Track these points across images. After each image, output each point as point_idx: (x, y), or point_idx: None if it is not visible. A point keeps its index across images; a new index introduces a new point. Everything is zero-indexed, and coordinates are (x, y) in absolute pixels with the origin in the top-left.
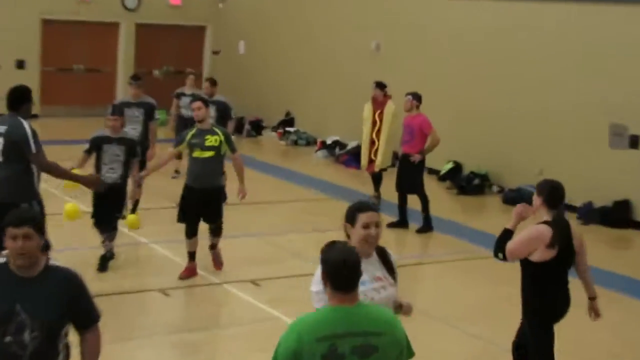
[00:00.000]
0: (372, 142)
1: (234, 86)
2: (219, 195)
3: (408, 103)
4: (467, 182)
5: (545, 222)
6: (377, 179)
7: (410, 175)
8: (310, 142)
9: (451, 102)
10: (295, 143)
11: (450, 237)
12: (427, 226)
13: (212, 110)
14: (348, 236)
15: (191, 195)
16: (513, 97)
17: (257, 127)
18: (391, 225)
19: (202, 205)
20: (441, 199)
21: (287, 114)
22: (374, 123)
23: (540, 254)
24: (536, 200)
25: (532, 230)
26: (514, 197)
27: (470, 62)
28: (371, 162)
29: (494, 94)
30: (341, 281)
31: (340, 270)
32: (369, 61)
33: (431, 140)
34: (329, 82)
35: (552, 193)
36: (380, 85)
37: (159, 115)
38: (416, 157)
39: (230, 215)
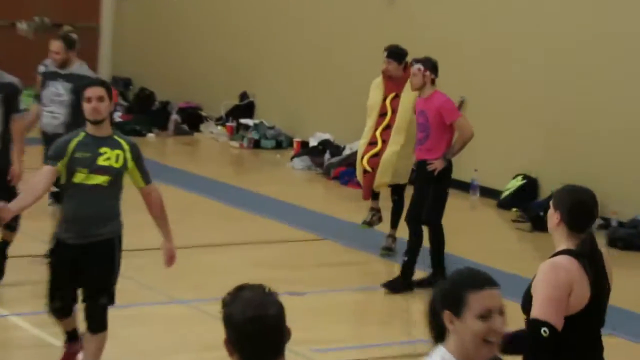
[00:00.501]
0: (373, 143)
1: (152, 51)
2: (111, 253)
3: (418, 76)
4: (547, 211)
5: (565, 252)
6: (375, 199)
7: (428, 194)
8: (281, 143)
9: (521, 86)
10: (257, 145)
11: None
12: (436, 275)
13: (62, 90)
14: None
15: (63, 255)
16: (626, 89)
17: (193, 119)
18: (422, 284)
19: (79, 270)
20: (503, 239)
21: (243, 97)
22: (382, 113)
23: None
24: (552, 217)
25: (550, 274)
26: (628, 235)
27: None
28: (366, 173)
29: (596, 81)
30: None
31: (252, 334)
32: (377, 18)
33: (459, 134)
34: (312, 48)
35: (577, 209)
36: (396, 54)
37: (24, 101)
38: (437, 165)
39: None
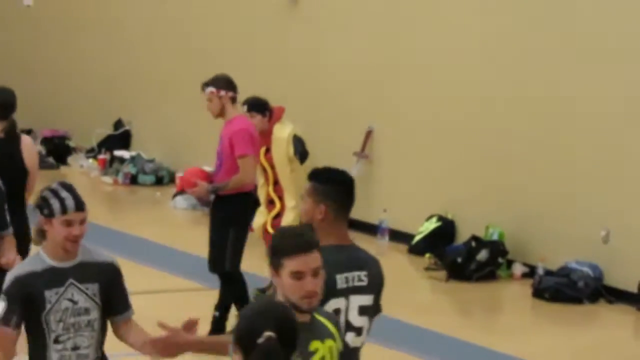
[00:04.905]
0: (271, 202)
1: (9, 70)
2: None
3: (214, 101)
4: (465, 257)
5: None
6: None
7: (224, 237)
8: (162, 178)
9: (438, 114)
10: (134, 180)
11: None
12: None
13: None
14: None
15: None
16: (552, 120)
17: (60, 150)
18: None
19: None
20: (415, 289)
21: (118, 125)
22: (264, 171)
23: None
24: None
25: None
26: (557, 284)
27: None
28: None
29: (521, 111)
30: None
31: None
32: (280, 21)
33: (239, 175)
34: (199, 67)
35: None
36: (258, 106)
37: None
38: (199, 190)
39: None
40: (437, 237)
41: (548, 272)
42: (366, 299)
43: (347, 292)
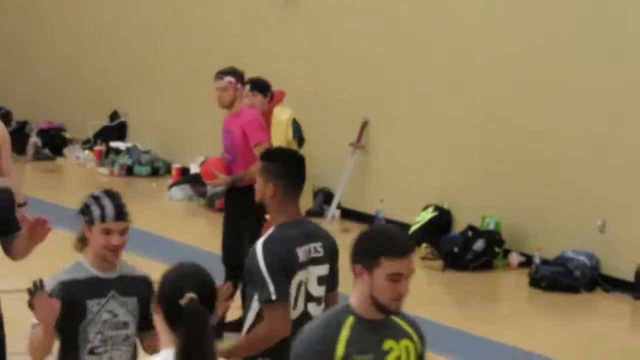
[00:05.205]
0: None
1: (6, 63)
2: None
3: (229, 91)
4: (462, 247)
5: None
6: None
7: (241, 228)
8: (158, 169)
9: (433, 103)
10: (130, 171)
11: None
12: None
13: None
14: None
15: None
16: (547, 110)
17: (56, 142)
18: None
19: None
20: (413, 280)
21: (114, 116)
22: None
23: None
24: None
25: None
26: (553, 273)
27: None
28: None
29: (519, 100)
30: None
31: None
32: (274, 16)
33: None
34: (194, 60)
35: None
36: (260, 86)
37: None
38: (220, 181)
39: None
40: (433, 227)
41: (544, 262)
42: (323, 269)
43: (306, 264)
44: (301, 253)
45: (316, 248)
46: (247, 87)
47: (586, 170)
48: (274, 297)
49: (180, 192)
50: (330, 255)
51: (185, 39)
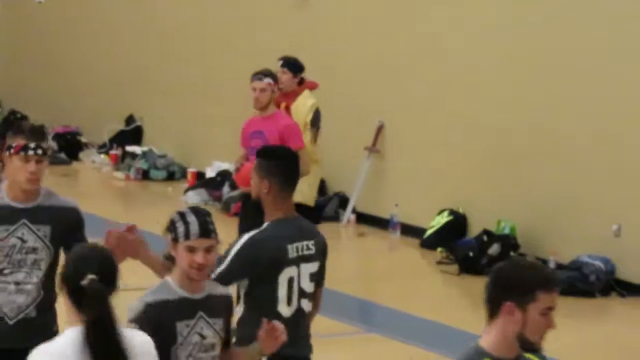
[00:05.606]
0: None
1: (23, 68)
2: None
3: (267, 92)
4: (477, 251)
5: None
6: None
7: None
8: (174, 173)
9: (448, 107)
10: (146, 176)
11: None
12: None
13: None
14: None
15: None
16: (563, 113)
17: (72, 146)
18: None
19: None
20: (427, 283)
21: (130, 120)
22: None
23: None
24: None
25: None
26: (569, 278)
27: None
28: None
29: (534, 104)
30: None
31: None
32: (288, 14)
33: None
34: (208, 64)
35: None
36: (292, 65)
37: None
38: None
39: None
40: (448, 231)
41: (560, 266)
42: (314, 266)
43: (297, 261)
44: (292, 249)
45: (308, 246)
46: (280, 62)
47: (602, 174)
48: (213, 276)
49: (196, 197)
50: (321, 253)
51: (201, 43)
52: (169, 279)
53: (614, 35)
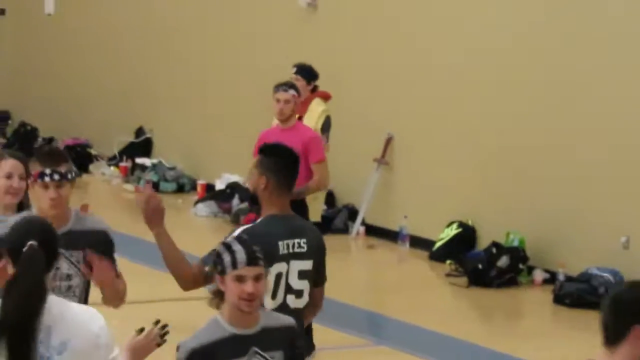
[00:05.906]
0: None
1: (33, 80)
2: None
3: (290, 103)
4: (486, 263)
5: None
6: None
7: None
8: (183, 185)
9: (458, 118)
10: (156, 188)
11: None
12: None
13: None
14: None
15: None
16: (572, 126)
17: (81, 158)
18: None
19: None
20: (436, 295)
21: (139, 132)
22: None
23: None
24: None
25: None
26: (578, 290)
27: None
28: None
29: (544, 117)
30: None
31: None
32: (296, 27)
33: (318, 178)
34: (218, 77)
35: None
36: (306, 72)
37: None
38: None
39: None
40: (457, 244)
41: (569, 278)
42: (305, 264)
43: (287, 258)
44: (282, 246)
45: (300, 244)
46: (294, 69)
47: (610, 186)
48: (198, 260)
49: (205, 209)
50: (315, 252)
51: (210, 55)
52: (218, 316)
53: (628, 47)
